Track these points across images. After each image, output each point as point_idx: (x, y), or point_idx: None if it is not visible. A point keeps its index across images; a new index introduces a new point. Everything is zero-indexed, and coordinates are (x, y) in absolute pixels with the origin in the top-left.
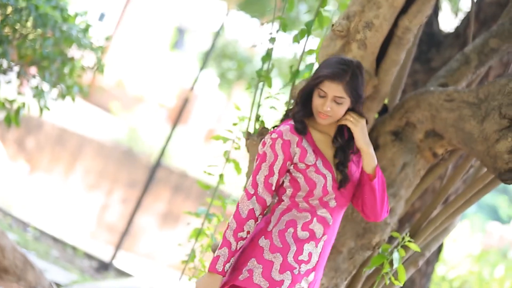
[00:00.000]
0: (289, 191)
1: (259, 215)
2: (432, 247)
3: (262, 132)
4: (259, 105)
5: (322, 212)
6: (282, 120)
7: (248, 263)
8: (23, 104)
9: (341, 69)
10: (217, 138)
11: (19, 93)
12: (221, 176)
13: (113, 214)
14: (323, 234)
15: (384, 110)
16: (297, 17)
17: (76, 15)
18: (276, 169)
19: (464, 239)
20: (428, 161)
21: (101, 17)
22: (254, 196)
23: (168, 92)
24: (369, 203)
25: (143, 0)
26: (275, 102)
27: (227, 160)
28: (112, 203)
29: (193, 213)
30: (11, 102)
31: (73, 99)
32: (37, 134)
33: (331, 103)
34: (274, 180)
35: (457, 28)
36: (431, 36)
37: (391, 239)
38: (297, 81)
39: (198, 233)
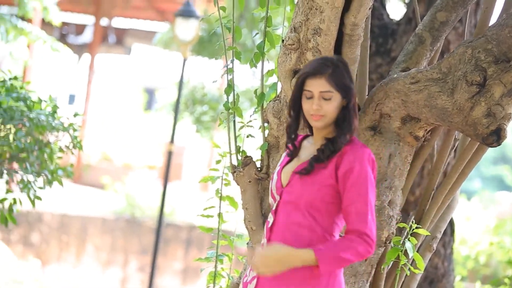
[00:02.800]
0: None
1: None
2: (441, 227)
3: (246, 161)
4: (235, 137)
5: (269, 217)
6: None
7: None
8: (14, 201)
9: (320, 64)
10: (205, 180)
11: (8, 190)
12: (220, 215)
13: (134, 284)
14: (266, 240)
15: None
16: (253, 45)
17: (40, 101)
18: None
19: (478, 215)
20: (412, 145)
21: (71, 99)
22: None
23: (153, 152)
24: None
25: (106, 74)
26: (251, 130)
27: (221, 198)
28: (130, 273)
29: (203, 258)
30: (2, 201)
31: (60, 183)
32: (40, 227)
33: (319, 100)
34: None
35: (406, 13)
36: (384, 27)
37: (400, 231)
38: (265, 104)
39: (214, 276)
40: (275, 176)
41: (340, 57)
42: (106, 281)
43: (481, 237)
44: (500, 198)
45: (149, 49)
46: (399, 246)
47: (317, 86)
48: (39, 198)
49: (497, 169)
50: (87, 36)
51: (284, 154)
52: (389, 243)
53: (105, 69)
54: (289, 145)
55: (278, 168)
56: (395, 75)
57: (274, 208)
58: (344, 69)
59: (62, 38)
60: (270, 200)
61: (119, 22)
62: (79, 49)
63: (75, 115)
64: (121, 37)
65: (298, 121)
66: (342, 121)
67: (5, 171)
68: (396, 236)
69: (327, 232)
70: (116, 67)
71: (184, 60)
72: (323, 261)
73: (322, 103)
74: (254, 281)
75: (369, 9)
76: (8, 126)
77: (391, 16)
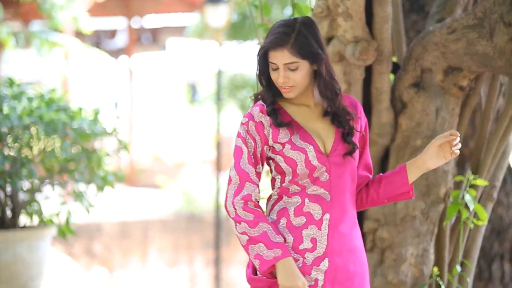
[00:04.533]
0: (278, 180)
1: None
2: (500, 176)
3: None
4: None
5: (313, 190)
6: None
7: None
8: (69, 213)
9: (280, 34)
10: None
11: (63, 203)
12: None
13: (204, 279)
14: (323, 213)
15: (396, 68)
16: None
17: (80, 109)
18: (259, 153)
19: None
20: (458, 96)
21: (115, 104)
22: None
23: (204, 146)
24: (385, 201)
25: (144, 74)
26: None
27: None
28: (197, 270)
29: None
30: (57, 215)
31: (112, 186)
32: (101, 237)
33: (285, 72)
34: (256, 166)
35: None
36: None
37: (457, 184)
38: None
39: None
40: (305, 144)
41: (303, 18)
42: (174, 281)
43: None
44: None
45: (183, 42)
46: (459, 200)
47: (280, 58)
48: (93, 206)
49: None
50: (120, 39)
51: (268, 119)
52: (448, 198)
53: (143, 69)
54: (273, 114)
55: (293, 136)
56: (431, 28)
57: (326, 180)
58: (309, 31)
59: (96, 44)
60: (302, 169)
61: (150, 20)
62: (114, 53)
63: (118, 118)
64: (154, 35)
65: (272, 87)
66: (325, 89)
67: (56, 184)
68: (454, 190)
69: (354, 197)
70: (153, 65)
71: (219, 47)
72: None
73: (288, 74)
74: (324, 262)
75: None
76: (53, 138)
77: None
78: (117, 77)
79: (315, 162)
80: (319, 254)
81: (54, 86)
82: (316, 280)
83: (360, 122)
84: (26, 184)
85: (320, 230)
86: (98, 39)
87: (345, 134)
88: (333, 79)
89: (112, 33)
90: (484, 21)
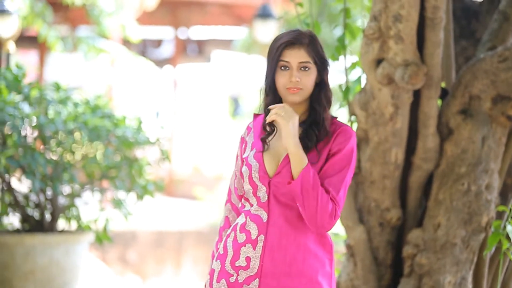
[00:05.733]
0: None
1: None
2: None
3: None
4: None
5: (255, 209)
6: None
7: None
8: (107, 220)
9: (296, 34)
10: None
11: (101, 209)
12: None
13: None
14: (259, 234)
15: (444, 93)
16: (334, 41)
17: (125, 118)
18: (237, 168)
19: None
20: (505, 126)
21: (157, 113)
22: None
23: None
24: (301, 210)
25: (188, 85)
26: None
27: None
28: None
29: None
30: (95, 221)
31: (152, 195)
32: (136, 245)
33: (298, 72)
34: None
35: None
36: (466, 9)
37: (499, 214)
38: (350, 97)
39: None
40: (253, 161)
41: (310, 31)
42: None
43: None
44: None
45: (229, 55)
46: (500, 230)
47: (296, 56)
48: (131, 214)
49: None
50: (166, 49)
51: (248, 135)
52: (490, 228)
53: (187, 80)
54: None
55: (251, 152)
56: (482, 55)
57: (265, 201)
58: (318, 42)
59: (142, 53)
60: (247, 186)
61: (197, 32)
62: (160, 62)
63: (162, 128)
64: (200, 47)
65: (276, 97)
66: (326, 100)
67: (96, 190)
68: (496, 220)
69: None
70: (197, 77)
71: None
72: (304, 177)
73: (301, 75)
74: (255, 283)
75: None
76: (96, 145)
77: None
78: (161, 87)
79: (256, 180)
80: (251, 274)
81: (100, 93)
82: None
83: (331, 145)
84: (66, 189)
85: (255, 250)
86: (144, 48)
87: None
88: (331, 94)
89: (158, 43)
90: None
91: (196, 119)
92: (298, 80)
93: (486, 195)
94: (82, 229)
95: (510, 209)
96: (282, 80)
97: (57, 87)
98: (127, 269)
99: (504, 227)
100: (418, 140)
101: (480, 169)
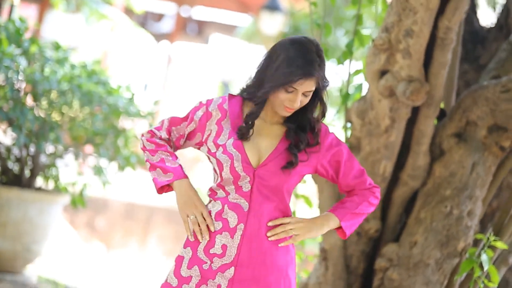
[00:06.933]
0: (214, 181)
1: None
2: None
3: None
4: None
5: (234, 198)
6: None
7: None
8: (85, 185)
9: (311, 61)
10: None
11: (79, 173)
12: (293, 214)
13: None
14: (238, 223)
15: (442, 114)
16: (336, 44)
17: (119, 87)
18: (188, 129)
19: None
20: (497, 156)
21: (146, 85)
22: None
23: None
24: None
25: (182, 63)
26: (332, 129)
27: (297, 196)
28: None
29: None
30: (73, 184)
31: (133, 167)
32: (106, 213)
33: (301, 97)
34: (180, 130)
35: (498, 20)
36: (474, 33)
37: (476, 242)
38: (349, 104)
39: None
40: (234, 151)
41: (315, 40)
42: (167, 270)
43: None
44: None
45: (228, 40)
46: (475, 257)
47: (306, 86)
48: (109, 183)
49: None
50: (166, 24)
51: (224, 121)
52: (465, 253)
53: (182, 58)
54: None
55: (229, 140)
56: (485, 83)
57: (247, 191)
58: (325, 63)
59: (142, 25)
60: (227, 175)
61: (199, 12)
62: (157, 36)
63: (155, 103)
64: (200, 27)
65: (263, 103)
66: (323, 112)
67: (79, 154)
68: (472, 247)
69: (288, 209)
70: (193, 56)
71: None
72: (345, 220)
73: (302, 99)
74: (230, 271)
75: (464, 13)
76: (86, 110)
77: (481, 23)
78: (155, 61)
79: (240, 170)
80: (226, 262)
81: (98, 58)
82: (219, 285)
83: (325, 142)
84: (50, 148)
85: (233, 238)
86: (144, 20)
87: (292, 145)
88: (326, 105)
89: (159, 17)
90: None
91: (183, 97)
92: (299, 105)
93: (467, 221)
94: (59, 190)
95: (488, 239)
96: (283, 98)
97: (57, 46)
98: (93, 236)
99: (479, 255)
100: (409, 157)
101: (465, 194)
